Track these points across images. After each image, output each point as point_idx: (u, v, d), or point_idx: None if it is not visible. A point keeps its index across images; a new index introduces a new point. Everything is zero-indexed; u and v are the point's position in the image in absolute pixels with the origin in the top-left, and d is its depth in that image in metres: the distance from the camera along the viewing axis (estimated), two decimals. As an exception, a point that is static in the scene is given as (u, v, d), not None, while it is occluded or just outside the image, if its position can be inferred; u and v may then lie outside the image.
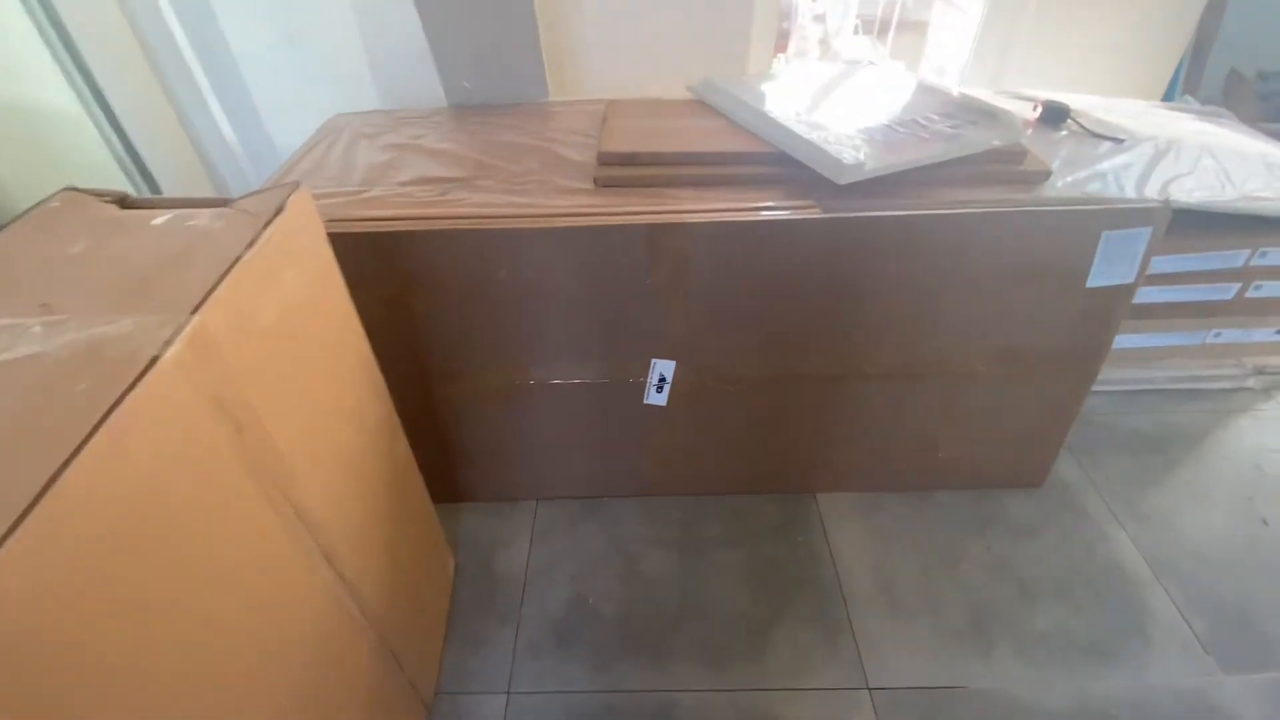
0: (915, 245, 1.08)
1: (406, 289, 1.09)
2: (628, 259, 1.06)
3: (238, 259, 0.57)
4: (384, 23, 1.84)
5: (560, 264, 1.07)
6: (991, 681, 1.09)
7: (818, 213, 1.06)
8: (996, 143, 1.21)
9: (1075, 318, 1.16)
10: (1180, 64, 2.25)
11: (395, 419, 1.00)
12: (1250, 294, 1.41)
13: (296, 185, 0.70)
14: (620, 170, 1.22)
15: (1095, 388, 1.54)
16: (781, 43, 2.92)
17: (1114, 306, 1.15)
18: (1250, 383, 1.63)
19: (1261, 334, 1.52)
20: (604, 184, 1.21)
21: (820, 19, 3.06)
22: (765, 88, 1.42)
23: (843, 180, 1.09)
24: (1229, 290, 1.40)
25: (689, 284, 1.09)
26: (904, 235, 1.07)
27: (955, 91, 1.41)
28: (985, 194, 1.18)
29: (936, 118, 1.27)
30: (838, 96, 1.39)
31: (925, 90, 1.40)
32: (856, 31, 3.37)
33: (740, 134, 1.28)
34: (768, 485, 1.40)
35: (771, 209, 1.08)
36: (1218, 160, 1.41)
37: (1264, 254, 1.34)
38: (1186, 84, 2.66)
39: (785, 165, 1.20)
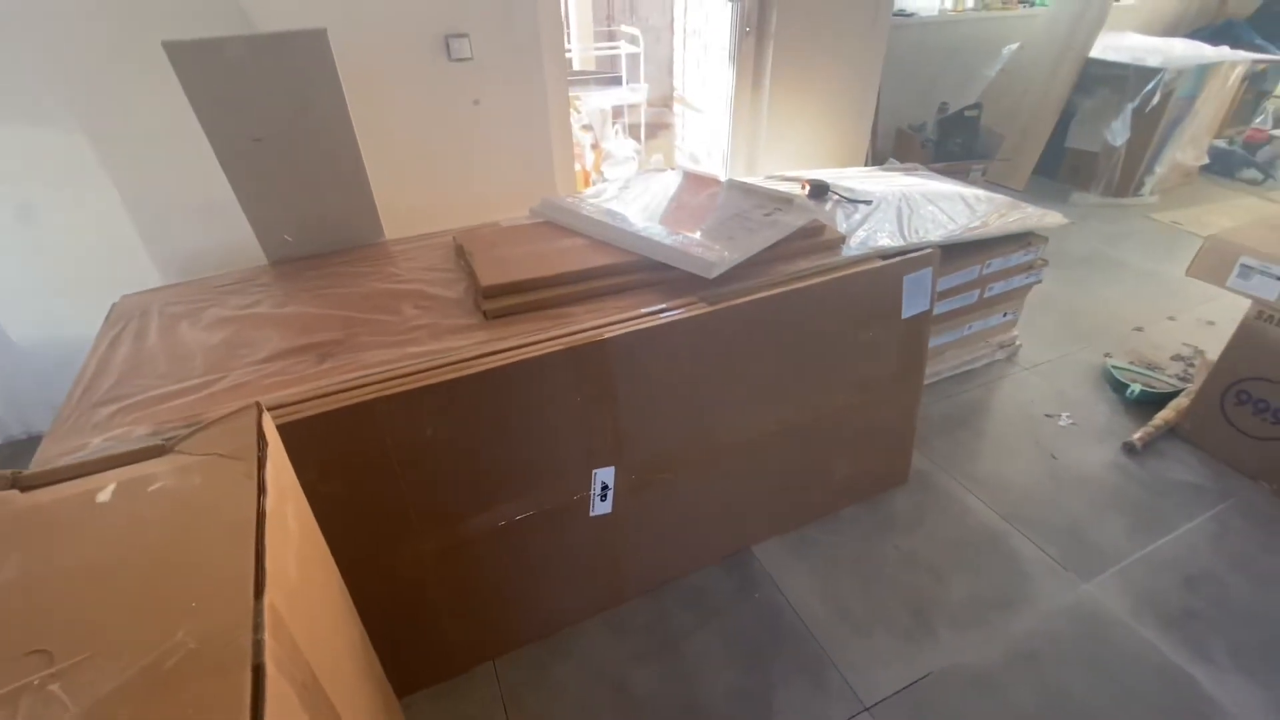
0: (782, 315, 1.28)
1: (324, 474, 0.98)
2: (555, 384, 1.09)
3: (261, 522, 0.50)
4: (149, 184, 1.66)
5: (489, 406, 1.06)
6: (947, 659, 1.27)
7: (706, 306, 1.20)
8: (802, 222, 1.49)
9: (901, 343, 1.45)
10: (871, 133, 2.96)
11: (357, 620, 0.88)
12: (986, 295, 1.89)
13: (259, 407, 0.62)
14: (508, 300, 1.25)
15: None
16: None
17: (923, 328, 1.47)
18: (999, 355, 2.16)
19: (995, 320, 2.03)
20: (495, 316, 1.23)
21: (588, 128, 3.42)
22: (607, 203, 1.57)
23: (713, 275, 1.26)
24: (973, 296, 1.86)
25: (615, 391, 1.15)
26: (774, 310, 1.26)
27: (758, 185, 1.71)
28: (807, 263, 1.44)
29: (754, 209, 1.53)
30: (670, 203, 1.59)
31: (735, 188, 1.67)
32: (619, 134, 3.82)
33: (603, 248, 1.40)
34: (712, 554, 1.47)
35: (667, 310, 1.20)
36: (936, 205, 1.89)
37: (989, 265, 1.81)
38: (872, 144, 3.48)
39: (654, 270, 1.34)
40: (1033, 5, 3.78)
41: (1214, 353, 1.88)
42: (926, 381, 2.03)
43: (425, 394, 0.99)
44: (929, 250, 1.39)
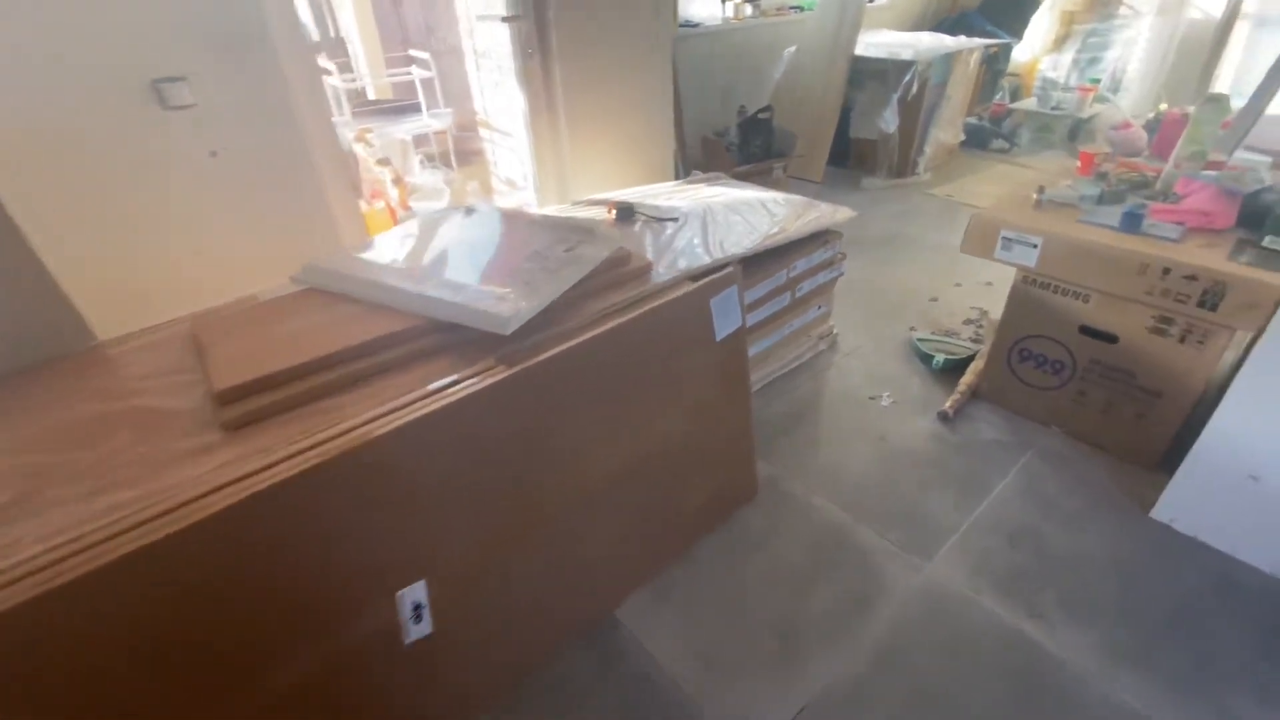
0: (594, 360, 1.17)
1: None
2: (322, 504, 0.89)
3: None
4: None
5: (228, 556, 0.83)
6: (823, 682, 1.24)
7: (505, 369, 1.06)
8: (606, 254, 1.40)
9: (723, 363, 1.41)
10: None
11: None
12: (798, 295, 1.94)
13: None
14: (253, 402, 1.02)
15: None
16: (357, 192, 2.88)
17: (739, 345, 1.44)
18: (821, 346, 2.24)
19: (812, 314, 2.10)
20: (238, 426, 1.00)
21: (385, 162, 3.14)
22: (383, 259, 1.37)
23: (509, 331, 1.12)
24: (785, 298, 1.90)
25: (406, 492, 0.97)
26: (583, 356, 1.14)
27: (558, 217, 1.60)
28: (617, 296, 1.36)
29: (554, 246, 1.41)
30: (458, 250, 1.43)
31: (531, 224, 1.54)
32: (424, 165, 3.56)
33: (381, 314, 1.21)
34: (571, 631, 1.33)
35: (459, 383, 1.05)
36: (739, 214, 1.90)
37: (794, 268, 1.85)
38: (682, 154, 3.54)
39: (445, 332, 1.18)
40: (801, 10, 4.08)
41: (996, 312, 2.09)
42: (762, 383, 2.06)
43: (122, 568, 0.75)
44: (729, 270, 1.35)
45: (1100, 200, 1.70)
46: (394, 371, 1.11)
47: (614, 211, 1.85)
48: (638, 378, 1.26)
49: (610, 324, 1.19)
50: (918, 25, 4.79)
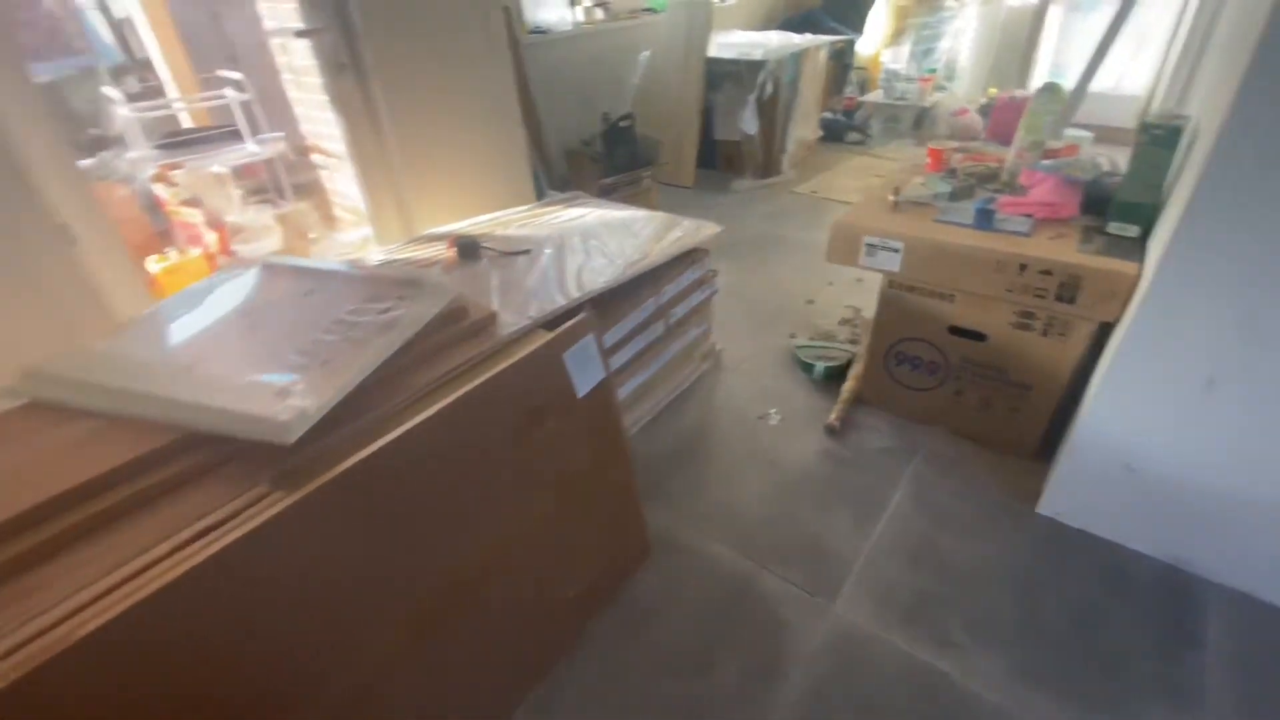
0: (423, 452, 0.94)
1: None
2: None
3: None
4: None
5: None
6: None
7: (282, 496, 0.81)
8: (436, 310, 1.18)
9: (590, 422, 1.23)
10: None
11: None
12: (672, 322, 1.79)
13: None
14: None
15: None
16: (157, 244, 2.44)
17: (608, 397, 1.26)
18: (705, 367, 2.12)
19: (692, 335, 1.97)
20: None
21: (194, 203, 2.68)
22: (133, 352, 1.07)
23: (291, 439, 0.87)
24: (660, 328, 1.75)
25: (158, 694, 0.71)
26: (405, 452, 0.91)
27: (372, 268, 1.34)
28: (451, 361, 1.14)
29: (365, 307, 1.16)
30: (234, 327, 1.14)
31: (340, 281, 1.28)
32: (248, 201, 3.11)
33: (123, 430, 0.92)
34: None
35: (219, 527, 0.79)
36: (600, 240, 1.73)
37: (664, 294, 1.70)
38: (545, 169, 3.33)
39: (202, 449, 0.91)
40: (654, 12, 3.99)
41: (868, 309, 2.06)
42: (647, 419, 1.90)
43: None
44: (583, 316, 1.17)
45: (953, 197, 1.69)
46: (135, 514, 0.83)
47: (453, 248, 1.62)
48: (485, 460, 1.05)
49: (439, 403, 0.97)
50: (766, 24, 4.87)
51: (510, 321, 1.28)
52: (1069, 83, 2.10)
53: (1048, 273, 1.40)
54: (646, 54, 3.68)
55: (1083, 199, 1.55)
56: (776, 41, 3.73)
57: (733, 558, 1.48)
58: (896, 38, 4.56)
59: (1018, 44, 4.39)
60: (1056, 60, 4.27)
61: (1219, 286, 1.08)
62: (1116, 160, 1.70)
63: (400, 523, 0.93)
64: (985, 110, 3.92)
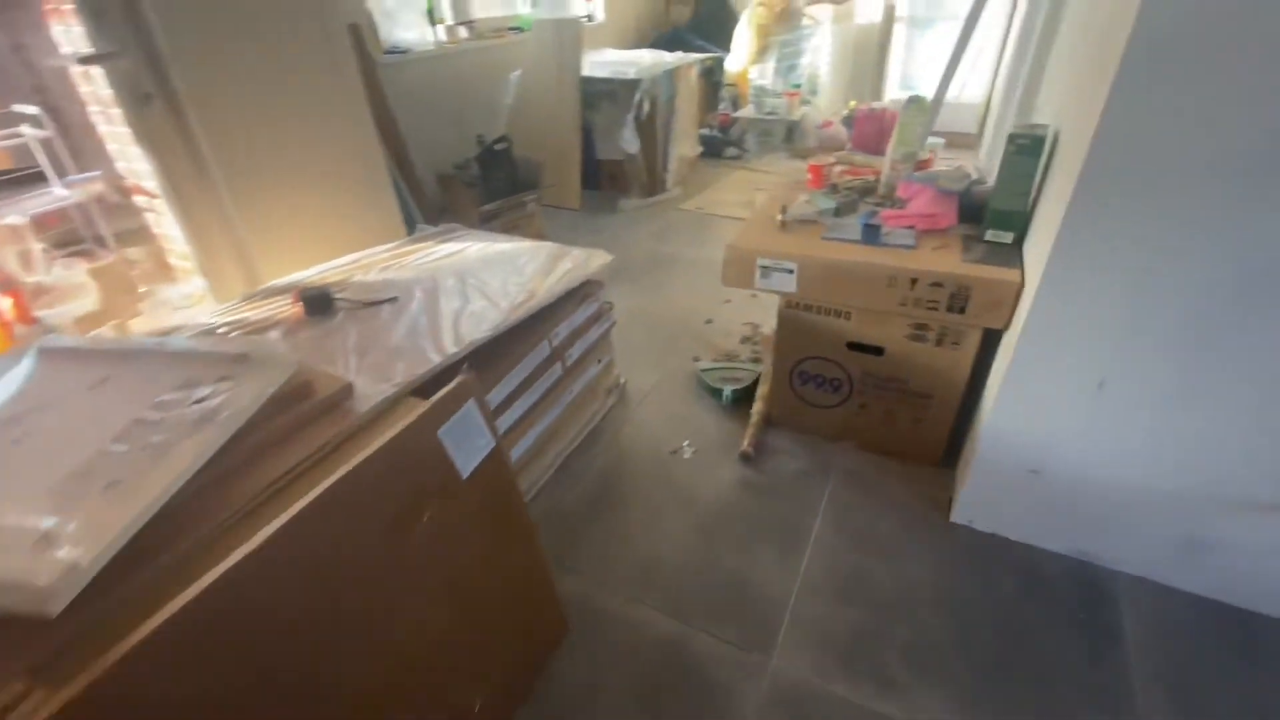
0: (253, 589, 0.73)
1: None
2: None
3: None
4: None
5: None
6: None
7: (45, 696, 0.58)
8: (270, 390, 0.96)
9: (482, 500, 1.05)
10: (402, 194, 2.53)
11: None
12: (569, 362, 1.65)
13: None
14: None
15: (527, 491, 1.55)
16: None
17: (499, 469, 1.09)
18: (611, 401, 1.99)
19: (590, 374, 1.83)
20: None
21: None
22: None
23: (57, 609, 0.64)
24: (557, 370, 1.60)
25: None
26: (226, 599, 0.70)
27: (184, 343, 1.09)
28: (292, 455, 0.92)
29: (170, 398, 0.92)
30: (4, 436, 0.86)
31: (141, 361, 1.02)
32: (48, 257, 2.61)
33: None
34: None
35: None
36: (479, 278, 1.55)
37: (557, 335, 1.55)
38: (417, 199, 3.08)
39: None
40: (521, 31, 3.85)
41: (766, 324, 2.02)
42: (553, 469, 1.74)
43: None
44: (460, 381, 0.99)
45: (838, 213, 1.67)
46: None
47: (300, 302, 1.38)
48: (347, 577, 0.85)
49: (275, 523, 0.76)
50: (636, 44, 4.87)
51: (371, 391, 1.08)
52: (923, 93, 2.19)
53: (939, 285, 1.39)
54: (518, 74, 3.53)
55: (960, 208, 1.58)
56: (649, 60, 3.71)
57: (659, 620, 1.34)
58: (761, 55, 4.71)
59: (870, 59, 4.67)
60: (905, 72, 4.58)
61: (1102, 292, 1.10)
62: (980, 167, 1.76)
63: (245, 676, 0.71)
64: (848, 121, 4.12)
